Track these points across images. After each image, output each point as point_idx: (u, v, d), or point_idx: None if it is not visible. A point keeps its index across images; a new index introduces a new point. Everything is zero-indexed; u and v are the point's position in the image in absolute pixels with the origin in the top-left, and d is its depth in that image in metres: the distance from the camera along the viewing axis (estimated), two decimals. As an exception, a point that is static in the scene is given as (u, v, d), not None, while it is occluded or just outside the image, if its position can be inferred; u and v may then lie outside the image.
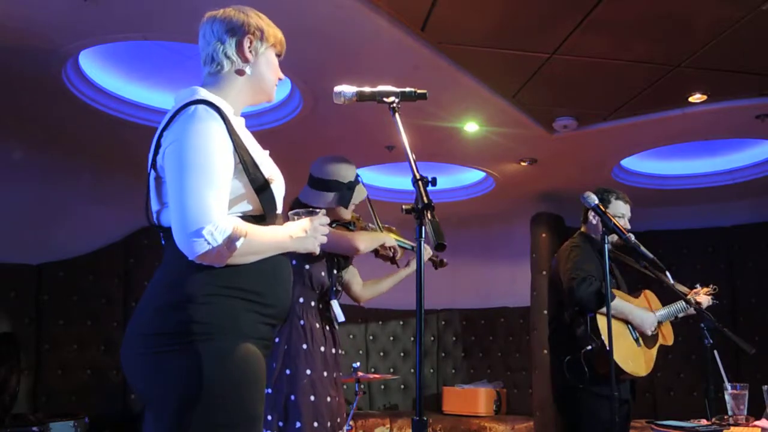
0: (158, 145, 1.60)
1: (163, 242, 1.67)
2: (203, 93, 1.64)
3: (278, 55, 1.82)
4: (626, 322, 3.03)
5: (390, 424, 5.77)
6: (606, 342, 2.86)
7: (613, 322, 2.92)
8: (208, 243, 1.47)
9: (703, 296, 3.20)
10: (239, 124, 1.69)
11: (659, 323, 3.12)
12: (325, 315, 2.59)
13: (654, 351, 3.07)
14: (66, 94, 3.77)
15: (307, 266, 2.54)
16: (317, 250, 1.71)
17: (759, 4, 2.90)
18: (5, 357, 4.23)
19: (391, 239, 2.67)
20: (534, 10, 3.05)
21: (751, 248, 5.71)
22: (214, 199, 1.51)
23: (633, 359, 2.95)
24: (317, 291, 2.57)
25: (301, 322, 2.52)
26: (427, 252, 2.86)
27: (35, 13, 3.01)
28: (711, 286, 3.32)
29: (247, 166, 1.60)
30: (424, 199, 1.57)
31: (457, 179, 5.91)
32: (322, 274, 2.58)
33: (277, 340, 2.51)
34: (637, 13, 3.04)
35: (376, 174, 5.73)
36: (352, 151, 4.85)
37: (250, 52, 1.71)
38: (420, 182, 1.61)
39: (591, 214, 3.19)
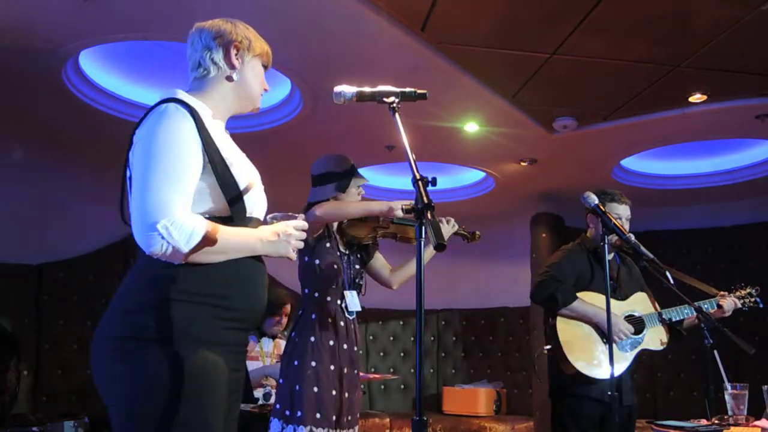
0: (130, 143, 1.62)
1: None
2: (181, 94, 1.65)
3: (265, 67, 1.83)
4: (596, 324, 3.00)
5: (390, 424, 5.77)
6: (563, 345, 2.92)
7: (578, 324, 2.96)
8: (162, 237, 1.46)
9: (729, 299, 3.08)
10: (216, 127, 1.69)
11: (650, 327, 3.06)
12: (341, 310, 2.65)
13: (628, 355, 3.00)
14: (66, 94, 3.77)
15: (317, 261, 2.63)
16: (292, 256, 1.68)
17: (759, 4, 2.90)
18: (5, 357, 4.23)
19: (393, 206, 2.52)
20: (534, 10, 3.06)
21: (751, 248, 5.71)
22: (175, 194, 1.50)
23: (597, 362, 2.94)
24: (333, 285, 2.63)
25: (313, 315, 2.60)
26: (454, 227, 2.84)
27: (35, 13, 3.01)
28: (755, 288, 3.17)
29: (216, 165, 1.60)
30: (424, 199, 1.57)
31: (457, 179, 5.91)
32: (335, 267, 2.64)
33: (293, 334, 2.62)
34: (637, 13, 3.04)
35: (376, 174, 5.73)
36: (352, 151, 4.83)
37: (237, 59, 1.73)
38: (420, 182, 1.61)
39: (590, 218, 3.19)
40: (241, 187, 1.64)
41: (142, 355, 1.49)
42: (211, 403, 1.54)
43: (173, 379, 1.48)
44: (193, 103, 1.62)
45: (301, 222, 1.69)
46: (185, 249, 1.49)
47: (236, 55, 1.73)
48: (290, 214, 1.69)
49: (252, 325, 1.69)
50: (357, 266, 2.74)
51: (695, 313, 2.94)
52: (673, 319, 3.06)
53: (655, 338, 3.08)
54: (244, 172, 1.67)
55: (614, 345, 2.97)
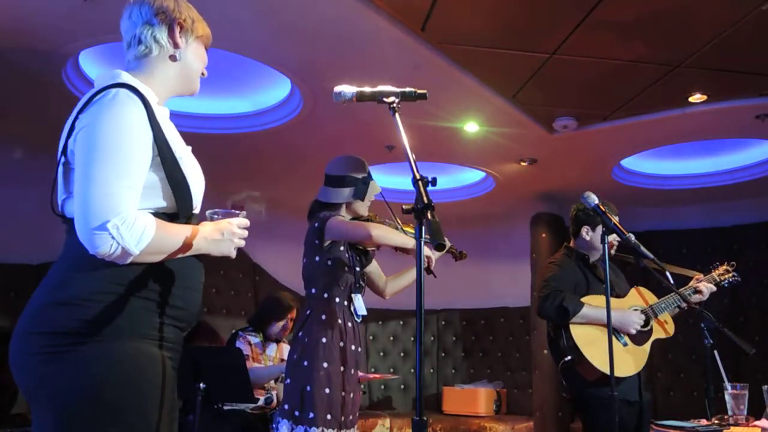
0: (72, 129, 1.51)
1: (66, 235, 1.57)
2: (126, 77, 1.55)
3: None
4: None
5: (390, 424, 5.77)
6: (584, 352, 2.90)
7: (592, 327, 2.95)
8: (113, 238, 1.36)
9: (704, 285, 3.14)
10: (163, 115, 1.59)
11: (656, 316, 3.10)
12: (349, 311, 2.65)
13: (645, 347, 3.04)
14: (66, 94, 3.77)
15: (329, 262, 2.60)
16: (233, 254, 1.60)
17: (759, 4, 2.91)
18: (5, 357, 4.23)
19: (411, 243, 2.58)
20: (534, 10, 3.06)
21: (751, 248, 5.71)
22: (125, 189, 1.40)
23: (617, 361, 2.94)
24: (342, 287, 2.62)
25: (323, 316, 2.57)
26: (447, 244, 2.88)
27: (35, 13, 3.01)
28: (728, 263, 3.26)
29: (165, 159, 1.50)
30: (424, 199, 1.57)
31: (457, 179, 5.91)
32: (346, 269, 2.62)
33: (300, 333, 2.58)
34: (637, 13, 3.04)
35: (376, 174, 5.67)
36: (352, 151, 4.84)
37: (181, 38, 1.64)
38: (420, 182, 1.61)
39: (584, 230, 3.16)
40: (190, 183, 1.56)
41: (79, 351, 1.40)
42: (160, 398, 1.47)
43: (114, 375, 1.41)
44: (141, 89, 1.53)
45: (244, 220, 1.61)
46: (135, 251, 1.39)
47: (180, 33, 1.64)
48: (232, 210, 1.61)
49: (189, 324, 1.61)
50: (358, 269, 2.72)
51: (681, 303, 3.05)
52: (667, 312, 3.11)
53: (664, 327, 3.11)
54: (192, 167, 1.60)
55: (629, 340, 3.00)
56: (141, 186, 1.46)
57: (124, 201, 1.39)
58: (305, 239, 2.70)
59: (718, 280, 3.20)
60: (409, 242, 2.57)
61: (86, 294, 1.43)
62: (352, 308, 2.65)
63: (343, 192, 2.68)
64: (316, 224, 2.62)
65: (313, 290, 2.63)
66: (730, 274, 3.22)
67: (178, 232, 1.49)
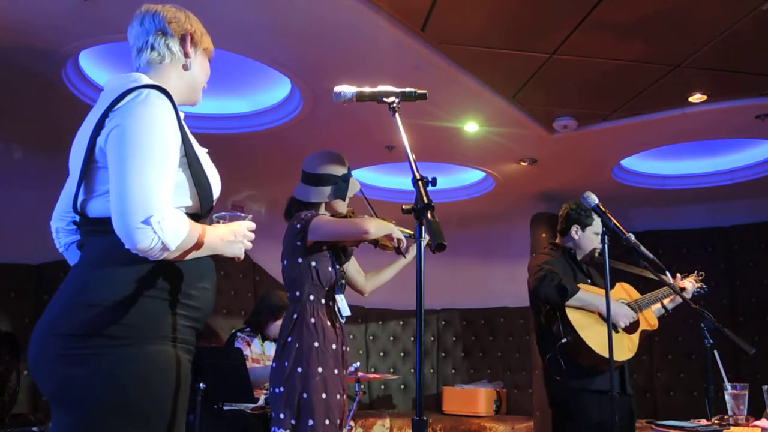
0: (101, 127, 1.50)
1: (78, 235, 1.61)
2: (147, 79, 1.57)
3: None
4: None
5: (390, 424, 5.77)
6: (581, 334, 2.89)
7: (585, 313, 2.95)
8: (155, 232, 1.38)
9: (687, 282, 3.22)
10: (182, 118, 1.63)
11: (640, 310, 3.12)
12: (333, 312, 2.59)
13: (636, 336, 3.07)
14: (66, 94, 3.77)
15: (313, 263, 2.54)
16: (242, 256, 1.65)
17: (759, 4, 2.91)
18: (5, 357, 4.23)
19: (398, 231, 2.59)
20: (534, 10, 3.06)
21: (751, 248, 5.71)
22: (163, 188, 1.43)
23: (616, 346, 2.94)
24: (325, 287, 2.56)
25: (312, 319, 2.51)
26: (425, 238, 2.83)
27: (35, 13, 3.01)
28: (697, 272, 3.35)
29: (191, 160, 1.56)
30: (424, 199, 1.56)
31: (457, 179, 5.91)
32: (329, 269, 2.57)
33: (289, 339, 2.50)
34: (637, 13, 3.04)
35: (376, 174, 5.73)
36: (352, 151, 4.85)
37: (191, 49, 1.69)
38: (420, 182, 1.61)
39: (574, 229, 3.18)
40: (212, 183, 1.61)
41: (104, 353, 1.42)
42: (178, 399, 1.50)
43: (138, 377, 1.44)
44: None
45: (251, 223, 1.66)
46: (173, 246, 1.42)
47: (190, 44, 1.69)
48: (238, 214, 1.65)
49: (203, 325, 1.64)
50: (337, 267, 2.64)
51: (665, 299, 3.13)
52: (665, 303, 3.15)
53: (648, 320, 3.14)
54: (210, 169, 1.64)
55: (620, 329, 3.02)
56: (173, 183, 1.49)
57: (162, 197, 1.42)
58: (285, 240, 2.62)
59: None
60: (391, 229, 2.55)
61: (111, 296, 1.45)
62: (336, 309, 2.59)
63: (323, 191, 2.61)
64: (298, 225, 2.55)
65: (298, 293, 2.56)
66: (699, 284, 3.30)
67: (196, 231, 1.52)
